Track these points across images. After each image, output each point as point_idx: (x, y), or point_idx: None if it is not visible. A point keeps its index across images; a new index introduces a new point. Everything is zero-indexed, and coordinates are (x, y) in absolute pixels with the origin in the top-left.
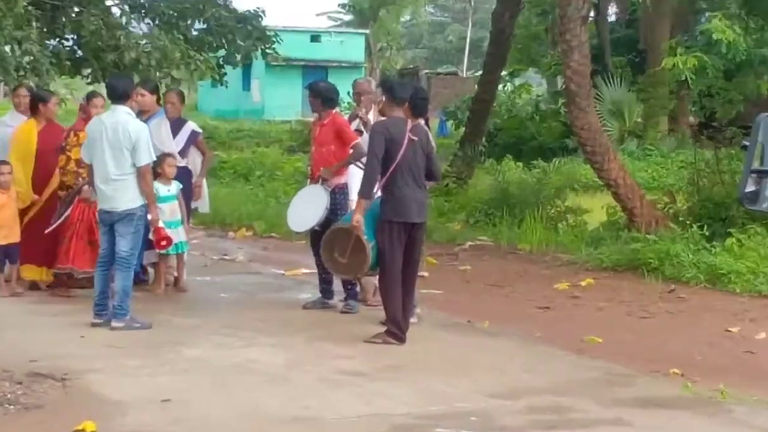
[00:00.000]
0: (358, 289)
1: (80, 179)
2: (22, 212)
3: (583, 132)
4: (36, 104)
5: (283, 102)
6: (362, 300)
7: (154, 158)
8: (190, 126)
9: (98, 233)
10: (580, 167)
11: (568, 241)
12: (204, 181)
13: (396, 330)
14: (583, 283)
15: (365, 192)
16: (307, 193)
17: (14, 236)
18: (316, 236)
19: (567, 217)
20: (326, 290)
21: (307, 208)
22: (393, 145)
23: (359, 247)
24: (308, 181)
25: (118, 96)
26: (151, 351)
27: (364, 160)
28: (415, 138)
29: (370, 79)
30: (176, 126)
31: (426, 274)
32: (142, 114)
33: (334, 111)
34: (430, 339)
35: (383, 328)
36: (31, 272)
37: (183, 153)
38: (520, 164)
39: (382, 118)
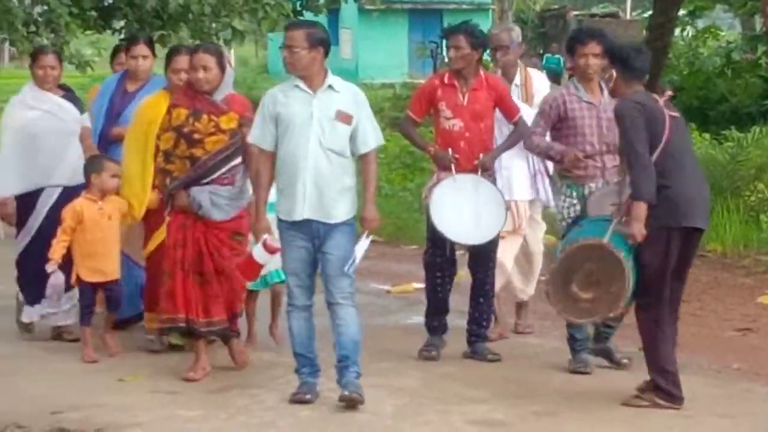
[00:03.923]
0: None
1: (168, 180)
2: (151, 230)
3: None
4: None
5: (384, 59)
6: (500, 336)
7: None
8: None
9: (212, 261)
10: None
11: None
12: None
13: (671, 387)
14: None
15: (648, 191)
16: (468, 187)
17: (111, 271)
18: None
19: None
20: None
21: (477, 209)
22: (654, 124)
23: (613, 272)
24: (450, 171)
25: None
26: (215, 396)
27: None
28: (676, 114)
29: (511, 27)
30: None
31: None
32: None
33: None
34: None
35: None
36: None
37: None
38: (707, 135)
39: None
